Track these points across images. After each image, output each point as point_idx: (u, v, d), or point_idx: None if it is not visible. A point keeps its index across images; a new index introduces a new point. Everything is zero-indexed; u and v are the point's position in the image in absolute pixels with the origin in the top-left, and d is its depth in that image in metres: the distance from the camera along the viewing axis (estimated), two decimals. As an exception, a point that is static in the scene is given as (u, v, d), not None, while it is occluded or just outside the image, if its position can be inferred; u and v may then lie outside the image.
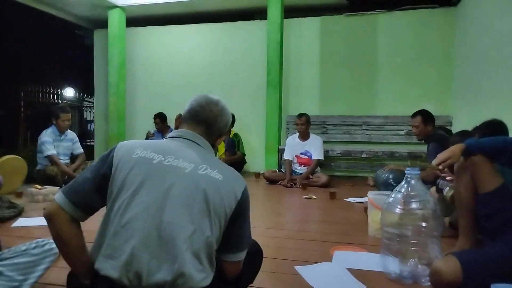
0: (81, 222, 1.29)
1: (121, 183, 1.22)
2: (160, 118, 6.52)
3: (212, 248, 1.23)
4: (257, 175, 5.81)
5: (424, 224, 1.89)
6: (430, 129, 4.00)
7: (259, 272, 1.64)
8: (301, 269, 2.06)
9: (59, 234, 1.25)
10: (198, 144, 1.35)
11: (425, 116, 4.03)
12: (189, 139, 1.35)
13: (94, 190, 1.26)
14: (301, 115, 5.32)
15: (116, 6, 6.80)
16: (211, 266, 1.24)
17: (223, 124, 1.45)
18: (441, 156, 1.95)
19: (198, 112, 1.41)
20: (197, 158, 1.28)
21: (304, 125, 5.26)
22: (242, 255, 1.34)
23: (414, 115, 4.10)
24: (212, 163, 1.29)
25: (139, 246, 1.15)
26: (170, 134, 1.41)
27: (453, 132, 4.66)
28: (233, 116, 6.06)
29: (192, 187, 1.21)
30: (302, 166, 5.30)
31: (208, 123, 1.40)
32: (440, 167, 1.95)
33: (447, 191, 2.54)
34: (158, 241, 1.16)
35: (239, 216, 1.28)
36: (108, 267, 1.16)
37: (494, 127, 2.54)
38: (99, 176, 1.27)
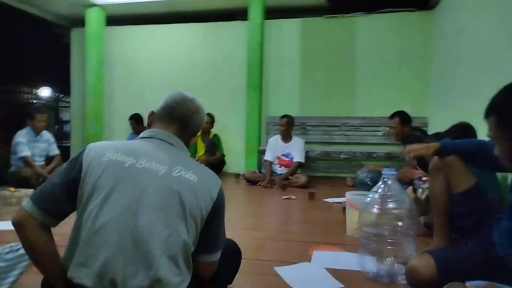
0: (53, 227, 1.25)
1: (91, 188, 1.18)
2: (135, 119, 6.43)
3: (189, 251, 1.22)
4: (237, 176, 5.81)
5: (400, 224, 1.93)
6: (407, 130, 4.08)
7: (238, 273, 1.65)
8: (280, 270, 2.07)
9: (29, 242, 1.21)
10: (172, 144, 1.32)
11: (403, 117, 4.11)
12: (162, 139, 1.31)
13: (63, 195, 1.22)
14: (283, 117, 5.34)
15: (95, 5, 6.67)
16: (188, 269, 1.23)
17: (198, 122, 1.42)
18: (415, 146, 2.02)
19: (174, 109, 1.37)
20: (171, 160, 1.25)
21: (284, 126, 5.28)
22: (217, 255, 1.35)
23: (392, 116, 4.17)
24: (186, 164, 1.27)
25: (113, 253, 1.12)
26: (141, 134, 1.36)
27: (429, 133, 4.77)
28: (212, 117, 6.06)
29: (166, 190, 1.19)
30: (283, 167, 5.33)
31: (184, 120, 1.37)
32: (411, 154, 2.01)
33: (421, 193, 2.60)
34: (133, 247, 1.13)
35: (215, 216, 1.27)
36: (81, 276, 1.13)
37: (462, 130, 2.64)
38: (69, 180, 1.23)
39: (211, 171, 1.34)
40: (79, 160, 1.23)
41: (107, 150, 1.24)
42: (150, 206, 1.16)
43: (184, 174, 1.23)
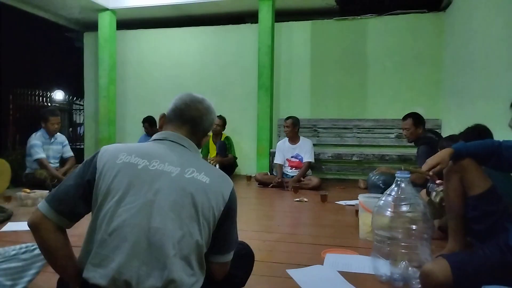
0: (68, 228, 1.26)
1: (106, 190, 1.20)
2: (149, 122, 6.50)
3: (202, 251, 1.23)
4: (249, 178, 5.81)
5: (414, 227, 1.91)
6: (421, 132, 4.04)
7: (251, 275, 1.64)
8: (292, 272, 2.06)
9: (45, 243, 1.23)
10: (184, 146, 1.33)
11: (416, 118, 4.07)
12: (174, 141, 1.32)
13: (78, 197, 1.23)
14: (287, 118, 5.34)
15: (107, 9, 6.76)
16: (202, 269, 1.24)
17: (209, 123, 1.43)
18: (430, 161, 1.97)
19: (183, 110, 1.38)
20: (183, 161, 1.27)
21: (290, 127, 5.27)
22: (230, 256, 1.35)
23: (405, 117, 4.14)
24: (198, 165, 1.28)
25: (127, 254, 1.13)
26: (154, 137, 1.37)
27: (443, 134, 4.72)
28: (224, 119, 6.08)
29: (179, 192, 1.20)
30: (293, 168, 5.32)
31: (194, 122, 1.38)
32: (430, 173, 1.97)
33: (435, 196, 2.57)
34: (147, 248, 1.14)
35: (227, 217, 1.28)
36: (96, 276, 1.14)
37: (477, 132, 2.60)
38: (83, 182, 1.24)
39: (223, 173, 1.35)
40: (93, 163, 1.25)
41: (121, 153, 1.25)
42: (164, 208, 1.17)
43: (197, 176, 1.24)
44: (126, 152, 1.25)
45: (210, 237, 1.25)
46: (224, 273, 1.37)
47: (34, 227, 1.22)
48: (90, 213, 1.27)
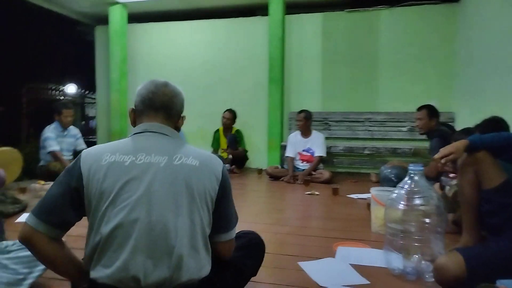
0: (59, 238, 1.25)
1: (98, 193, 1.18)
2: None
3: (206, 234, 1.25)
4: (260, 171, 5.82)
5: (427, 220, 1.89)
6: (434, 124, 4.00)
7: (263, 267, 1.65)
8: (304, 265, 2.07)
9: (40, 255, 1.22)
10: (165, 134, 1.32)
11: (431, 110, 4.04)
12: (154, 132, 1.31)
13: (67, 205, 1.21)
14: (300, 112, 5.32)
15: (117, 3, 6.78)
16: (207, 252, 1.26)
17: (180, 104, 1.41)
18: (444, 150, 1.95)
19: (152, 99, 1.35)
20: (169, 149, 1.26)
21: (302, 121, 5.26)
22: (233, 233, 1.37)
23: (420, 108, 4.11)
24: (184, 150, 1.28)
25: (131, 251, 1.14)
26: (133, 131, 1.35)
27: (456, 128, 4.66)
28: (234, 113, 6.08)
29: (172, 180, 1.20)
30: (305, 162, 5.31)
31: (166, 107, 1.35)
32: (443, 161, 1.95)
33: (448, 190, 2.54)
34: (150, 241, 1.15)
35: (223, 195, 1.30)
36: (103, 276, 1.15)
37: (494, 124, 2.54)
38: (70, 190, 1.22)
39: (210, 153, 1.36)
40: (77, 169, 1.22)
41: (104, 153, 1.23)
42: (160, 199, 1.18)
43: (185, 161, 1.24)
44: (110, 152, 1.24)
45: (211, 218, 1.27)
46: (230, 251, 1.39)
47: (25, 242, 1.20)
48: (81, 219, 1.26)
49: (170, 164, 1.23)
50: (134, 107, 1.40)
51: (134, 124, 1.39)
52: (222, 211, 1.31)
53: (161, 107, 1.35)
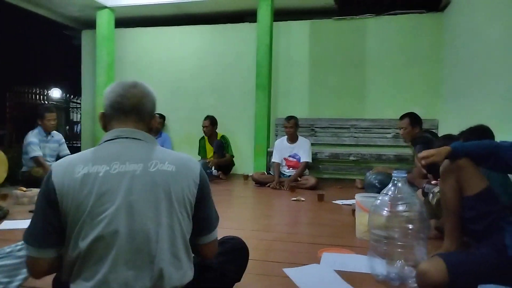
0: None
1: (74, 207, 1.14)
2: None
3: (186, 240, 1.23)
4: (246, 177, 5.81)
5: (410, 226, 1.91)
6: (417, 132, 4.05)
7: (247, 274, 1.64)
8: (289, 271, 2.06)
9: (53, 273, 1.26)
10: (139, 139, 1.27)
11: (413, 118, 4.09)
12: (127, 137, 1.26)
13: (54, 225, 1.17)
14: (289, 118, 5.34)
15: (105, 7, 6.74)
16: (189, 259, 1.25)
17: (151, 104, 1.35)
18: (426, 153, 1.99)
19: (121, 103, 1.29)
20: (143, 155, 1.22)
21: (293, 128, 5.28)
22: (215, 233, 1.35)
23: (402, 117, 4.16)
24: (159, 156, 1.24)
25: (112, 263, 1.12)
26: (104, 138, 1.28)
27: (439, 135, 4.73)
28: (212, 119, 6.04)
29: (149, 188, 1.17)
30: (291, 168, 5.32)
31: (136, 109, 1.30)
32: (423, 162, 1.98)
33: (432, 198, 2.57)
34: (131, 252, 1.13)
35: (202, 198, 1.28)
36: None
37: (479, 132, 2.58)
38: (51, 209, 1.17)
39: (186, 155, 1.32)
40: (50, 186, 1.17)
41: (76, 165, 1.18)
42: (138, 208, 1.15)
43: (161, 167, 1.21)
44: (82, 163, 1.18)
45: (191, 223, 1.25)
46: (213, 252, 1.38)
47: (39, 275, 1.25)
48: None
49: (146, 171, 1.19)
50: (103, 111, 1.34)
51: (105, 129, 1.34)
52: (202, 213, 1.29)
53: (131, 110, 1.30)
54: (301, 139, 5.40)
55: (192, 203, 1.24)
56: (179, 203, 1.20)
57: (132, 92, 1.31)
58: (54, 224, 1.17)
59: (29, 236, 1.19)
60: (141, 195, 1.16)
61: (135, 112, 1.30)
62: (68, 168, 1.18)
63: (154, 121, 1.37)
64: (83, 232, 1.13)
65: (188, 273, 1.23)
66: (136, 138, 1.26)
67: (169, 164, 1.22)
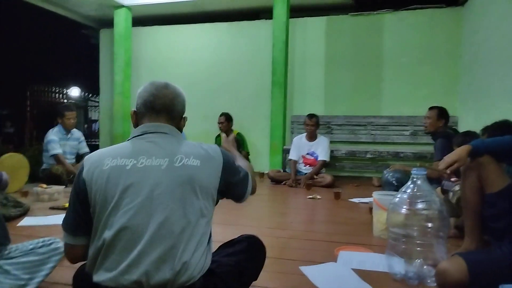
0: None
1: (102, 198, 1.19)
2: None
3: (208, 234, 1.28)
4: (262, 175, 5.81)
5: (430, 225, 1.88)
6: (441, 126, 4.01)
7: (263, 271, 1.64)
8: (306, 269, 2.05)
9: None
10: (165, 133, 1.32)
11: (441, 111, 4.06)
12: (155, 132, 1.31)
13: (85, 215, 1.24)
14: (311, 116, 5.30)
15: (122, 6, 6.82)
16: (210, 251, 1.30)
17: (181, 104, 1.40)
18: (448, 159, 1.93)
19: (153, 102, 1.35)
20: (170, 150, 1.26)
21: (314, 126, 5.26)
22: (248, 191, 1.48)
23: (432, 108, 4.14)
24: (185, 150, 1.28)
25: (135, 254, 1.15)
26: (133, 133, 1.34)
27: (459, 131, 4.64)
28: (227, 116, 6.02)
29: (173, 182, 1.21)
30: (308, 166, 5.30)
31: (167, 109, 1.36)
32: (448, 171, 1.93)
33: (452, 196, 2.52)
34: (153, 245, 1.15)
35: (229, 182, 1.35)
36: (106, 280, 1.16)
37: (505, 128, 2.49)
38: (81, 200, 1.24)
39: (211, 147, 1.36)
40: (81, 177, 1.24)
41: (106, 158, 1.24)
42: (163, 202, 1.18)
43: (186, 162, 1.24)
44: (111, 156, 1.24)
45: (214, 207, 1.31)
46: (255, 189, 1.55)
47: (75, 260, 1.33)
48: None
49: (171, 166, 1.23)
50: (136, 109, 1.40)
51: (136, 126, 1.39)
52: (233, 188, 1.39)
53: (162, 109, 1.35)
54: (320, 137, 5.37)
55: (216, 192, 1.30)
56: (203, 197, 1.24)
57: (163, 92, 1.37)
58: (84, 214, 1.24)
59: (65, 224, 1.29)
60: (166, 189, 1.19)
61: (166, 111, 1.35)
62: (98, 160, 1.24)
63: (183, 122, 1.43)
64: (109, 222, 1.17)
65: (207, 267, 1.25)
66: (162, 132, 1.31)
67: (194, 159, 1.26)
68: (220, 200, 1.38)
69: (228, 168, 1.35)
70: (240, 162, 1.57)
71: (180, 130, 1.41)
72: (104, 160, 1.23)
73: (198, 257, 1.21)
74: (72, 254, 1.31)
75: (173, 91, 1.39)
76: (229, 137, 1.79)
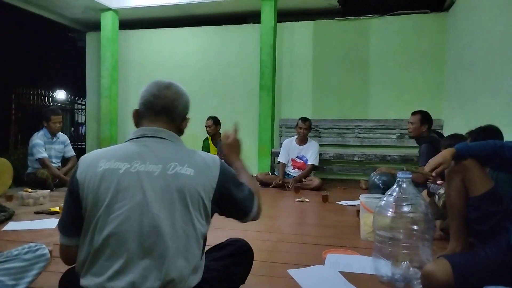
0: None
1: (93, 200, 1.18)
2: None
3: (200, 243, 1.24)
4: (250, 178, 5.79)
5: (415, 227, 1.90)
6: (425, 130, 4.05)
7: (251, 275, 1.64)
8: (293, 272, 2.06)
9: None
10: (163, 138, 1.29)
11: (424, 116, 4.10)
12: (152, 136, 1.29)
13: (80, 217, 1.23)
14: (305, 120, 5.31)
15: (109, 9, 6.77)
16: (201, 261, 1.26)
17: (184, 106, 1.38)
18: (433, 162, 1.96)
19: (153, 102, 1.33)
20: (164, 157, 1.24)
21: (307, 129, 5.29)
22: (254, 210, 1.39)
23: (414, 113, 4.18)
24: (180, 158, 1.25)
25: (123, 260, 1.13)
26: (131, 135, 1.33)
27: (444, 135, 4.71)
28: (214, 119, 6.01)
29: (164, 190, 1.19)
30: (296, 169, 5.32)
31: (167, 110, 1.33)
32: (433, 174, 1.96)
33: (438, 200, 2.56)
34: (142, 251, 1.14)
35: (225, 194, 1.30)
36: (93, 285, 1.14)
37: (488, 133, 2.53)
38: (75, 201, 1.23)
39: (208, 156, 1.33)
40: (75, 178, 1.23)
41: (100, 160, 1.23)
42: (153, 208, 1.16)
43: (180, 170, 1.22)
44: (105, 158, 1.23)
45: (208, 224, 1.27)
46: (259, 214, 1.43)
47: (70, 262, 1.31)
48: None
49: (164, 173, 1.20)
50: (137, 109, 1.38)
51: (137, 126, 1.38)
52: (232, 205, 1.33)
53: (162, 110, 1.33)
54: (310, 141, 5.40)
55: (209, 206, 1.25)
56: (194, 207, 1.21)
57: (165, 93, 1.34)
58: (77, 215, 1.23)
59: (59, 224, 1.29)
60: (157, 196, 1.18)
61: (166, 113, 1.33)
62: (92, 162, 1.23)
63: (185, 123, 1.40)
64: (98, 226, 1.16)
65: (198, 275, 1.24)
66: (159, 137, 1.29)
67: (188, 168, 1.23)
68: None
69: (226, 179, 1.31)
70: (244, 177, 1.52)
71: (181, 131, 1.39)
72: (98, 162, 1.22)
73: (187, 267, 1.19)
74: (67, 255, 1.29)
75: (175, 91, 1.37)
76: (229, 141, 1.74)
